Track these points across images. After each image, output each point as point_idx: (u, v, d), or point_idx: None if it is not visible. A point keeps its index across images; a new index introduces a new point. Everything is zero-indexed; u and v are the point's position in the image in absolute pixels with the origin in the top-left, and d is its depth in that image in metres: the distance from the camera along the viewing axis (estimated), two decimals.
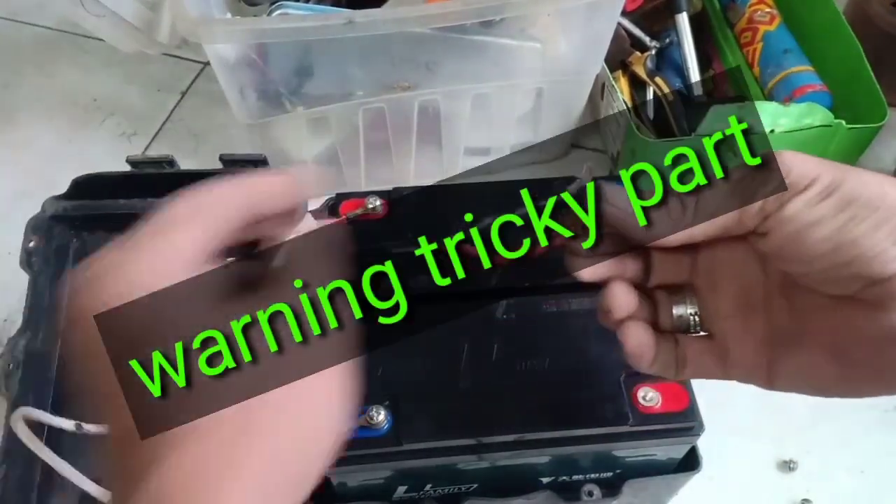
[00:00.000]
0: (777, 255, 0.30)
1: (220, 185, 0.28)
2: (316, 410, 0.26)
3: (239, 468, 0.23)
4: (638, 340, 0.33)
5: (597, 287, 0.41)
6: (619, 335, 0.33)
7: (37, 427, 0.45)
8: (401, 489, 0.42)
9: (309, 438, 0.26)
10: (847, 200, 0.28)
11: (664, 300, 0.34)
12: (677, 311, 0.34)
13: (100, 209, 0.50)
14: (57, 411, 0.47)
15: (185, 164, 0.76)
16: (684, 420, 0.39)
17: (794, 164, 0.30)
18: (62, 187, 0.49)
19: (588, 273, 0.33)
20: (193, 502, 0.23)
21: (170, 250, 0.26)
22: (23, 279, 0.49)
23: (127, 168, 0.52)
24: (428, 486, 0.43)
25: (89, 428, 0.46)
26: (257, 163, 0.49)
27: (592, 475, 0.43)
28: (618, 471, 0.43)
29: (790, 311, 0.32)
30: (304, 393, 0.25)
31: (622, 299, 0.33)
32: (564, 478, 0.43)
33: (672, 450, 0.42)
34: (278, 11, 0.62)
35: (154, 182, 0.50)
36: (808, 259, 0.29)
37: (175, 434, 0.23)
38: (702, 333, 0.34)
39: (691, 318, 0.34)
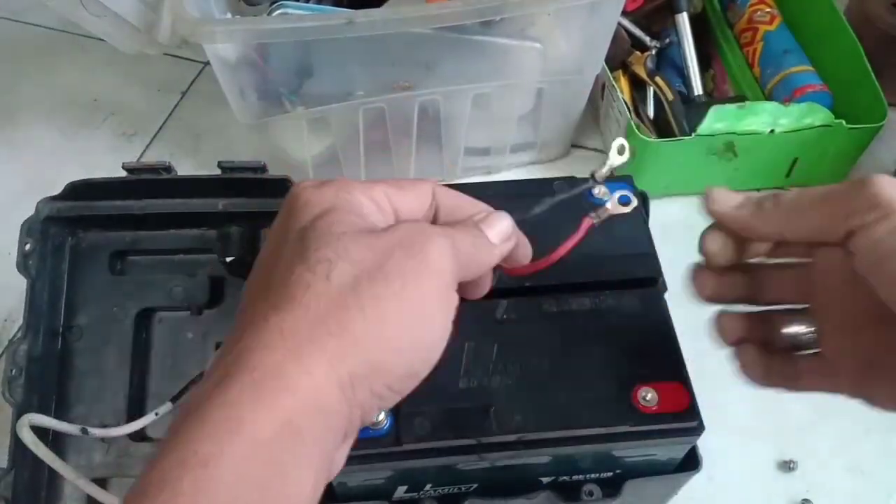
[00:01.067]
0: (866, 277, 0.30)
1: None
2: (428, 299, 0.28)
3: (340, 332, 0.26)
4: (747, 360, 0.35)
5: (597, 287, 0.42)
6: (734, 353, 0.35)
7: (43, 430, 0.45)
8: (401, 489, 0.42)
9: (418, 323, 0.28)
10: None
11: (777, 319, 0.36)
12: (788, 329, 0.35)
13: (94, 210, 0.50)
14: (61, 414, 0.47)
15: (185, 163, 0.77)
16: (684, 420, 0.39)
17: (884, 188, 0.29)
18: (62, 186, 0.49)
19: (705, 292, 0.36)
20: (280, 364, 0.25)
21: None
22: (23, 279, 0.49)
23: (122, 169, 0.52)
24: (428, 486, 0.43)
25: (94, 432, 0.46)
26: (256, 169, 0.49)
27: (592, 475, 0.43)
28: (618, 471, 0.43)
29: (887, 333, 0.31)
30: (419, 278, 0.28)
31: (727, 325, 0.35)
32: (564, 478, 0.43)
33: (672, 450, 0.42)
34: (278, 11, 0.62)
35: (150, 187, 0.50)
36: (890, 287, 0.29)
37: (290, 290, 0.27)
38: (812, 351, 0.35)
39: (802, 336, 0.35)
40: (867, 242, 0.29)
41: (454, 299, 0.29)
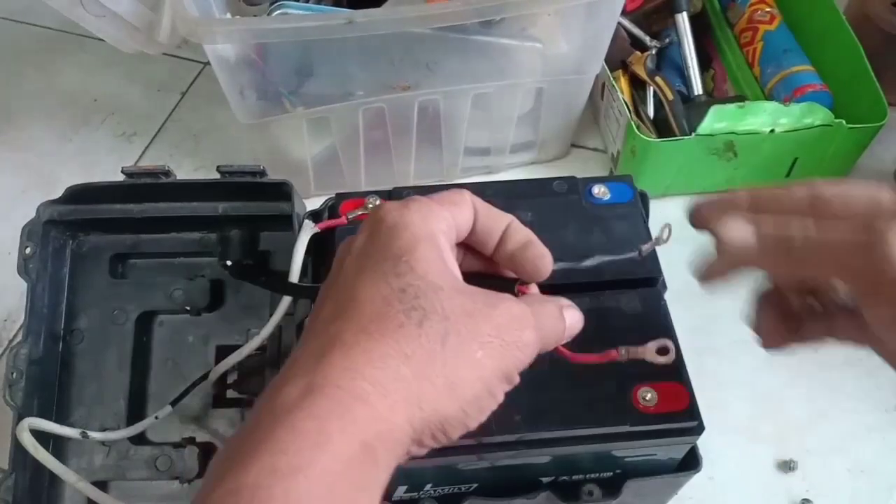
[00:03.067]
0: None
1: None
2: (508, 322, 0.30)
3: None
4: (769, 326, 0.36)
5: (597, 287, 0.41)
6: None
7: (42, 434, 0.46)
8: (401, 489, 0.42)
9: (487, 393, 0.30)
10: None
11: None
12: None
13: (95, 213, 0.50)
14: (61, 417, 0.47)
15: (185, 163, 0.77)
16: (684, 420, 0.39)
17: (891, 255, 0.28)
18: (62, 186, 0.49)
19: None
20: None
21: None
22: (23, 279, 0.49)
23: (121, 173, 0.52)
24: (428, 486, 0.43)
25: (94, 435, 0.46)
26: (256, 173, 0.49)
27: (592, 475, 0.43)
28: (618, 471, 0.43)
29: None
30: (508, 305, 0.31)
31: (770, 331, 0.37)
32: (564, 478, 0.43)
33: (672, 450, 0.42)
34: (278, 11, 0.62)
35: (150, 191, 0.50)
36: None
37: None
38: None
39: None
40: (880, 324, 0.30)
41: (517, 379, 0.31)
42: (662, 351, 0.34)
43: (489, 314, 0.30)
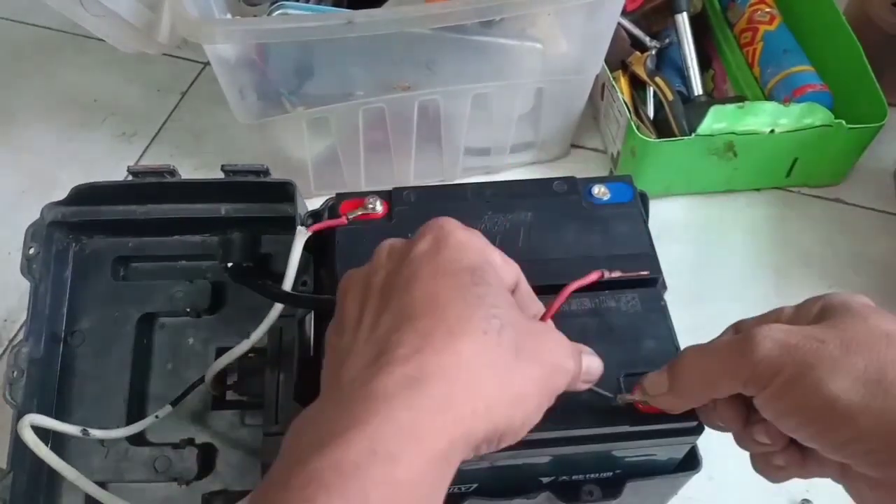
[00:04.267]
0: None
1: None
2: (557, 347, 0.33)
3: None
4: (767, 466, 0.37)
5: (597, 287, 0.41)
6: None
7: (43, 432, 0.46)
8: None
9: (535, 410, 0.31)
10: (796, 407, 0.30)
11: None
12: None
13: (98, 215, 0.50)
14: (61, 417, 0.47)
15: (185, 163, 0.77)
16: (684, 420, 0.39)
17: (762, 351, 0.31)
18: (63, 187, 0.49)
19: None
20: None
21: None
22: (23, 279, 0.49)
23: (126, 171, 0.52)
24: None
25: (95, 433, 0.46)
26: (259, 173, 0.49)
27: (592, 475, 0.43)
28: (618, 471, 0.43)
29: None
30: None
31: (773, 470, 0.37)
32: (564, 478, 0.43)
33: (672, 450, 0.42)
34: (278, 11, 0.62)
35: (154, 191, 0.50)
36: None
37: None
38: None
39: None
40: (765, 410, 0.32)
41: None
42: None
43: (546, 336, 0.33)
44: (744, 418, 0.35)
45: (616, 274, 0.38)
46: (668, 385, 0.35)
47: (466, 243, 0.32)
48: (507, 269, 0.34)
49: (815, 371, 0.29)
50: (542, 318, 0.36)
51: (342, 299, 0.34)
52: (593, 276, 0.36)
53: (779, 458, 0.36)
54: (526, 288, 0.36)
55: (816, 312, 0.33)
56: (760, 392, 0.31)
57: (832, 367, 0.29)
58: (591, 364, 0.35)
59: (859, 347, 0.29)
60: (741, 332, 0.34)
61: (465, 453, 0.29)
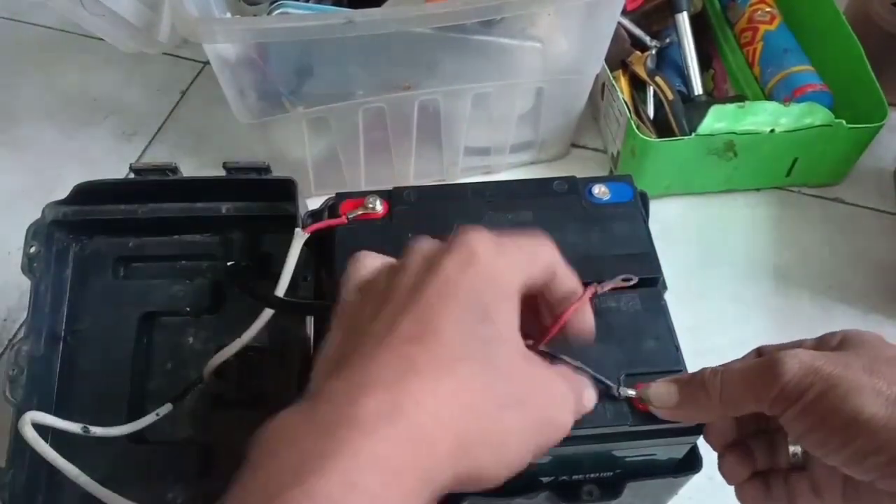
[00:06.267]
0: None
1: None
2: (555, 402, 0.33)
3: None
4: (748, 497, 0.38)
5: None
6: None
7: (43, 430, 0.46)
8: None
9: (545, 417, 0.32)
10: (821, 422, 0.31)
11: (782, 439, 0.38)
12: (794, 448, 0.37)
13: (100, 214, 0.50)
14: (60, 416, 0.48)
15: (186, 163, 0.77)
16: None
17: (791, 372, 0.32)
18: (63, 186, 0.50)
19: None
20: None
21: None
22: (23, 279, 0.49)
23: (127, 170, 0.52)
24: None
25: (96, 430, 0.46)
26: (261, 170, 0.49)
27: (592, 475, 0.43)
28: (618, 471, 0.43)
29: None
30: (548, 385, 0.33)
31: (733, 469, 0.38)
32: (564, 478, 0.43)
33: (672, 450, 0.42)
34: (278, 11, 0.62)
35: (156, 189, 0.50)
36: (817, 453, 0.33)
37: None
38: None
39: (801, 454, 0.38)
40: (791, 427, 0.33)
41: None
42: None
43: (544, 388, 0.32)
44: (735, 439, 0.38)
45: (608, 287, 0.38)
46: (678, 400, 0.36)
47: (491, 274, 0.31)
48: (527, 288, 0.33)
49: (840, 389, 0.31)
50: (534, 346, 0.36)
51: (355, 281, 0.34)
52: (586, 296, 0.36)
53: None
54: (558, 290, 0.35)
55: (837, 343, 0.35)
56: (787, 410, 0.32)
57: (857, 386, 0.31)
58: (590, 401, 0.36)
59: (881, 371, 0.31)
60: (765, 355, 0.35)
61: (442, 489, 0.28)
